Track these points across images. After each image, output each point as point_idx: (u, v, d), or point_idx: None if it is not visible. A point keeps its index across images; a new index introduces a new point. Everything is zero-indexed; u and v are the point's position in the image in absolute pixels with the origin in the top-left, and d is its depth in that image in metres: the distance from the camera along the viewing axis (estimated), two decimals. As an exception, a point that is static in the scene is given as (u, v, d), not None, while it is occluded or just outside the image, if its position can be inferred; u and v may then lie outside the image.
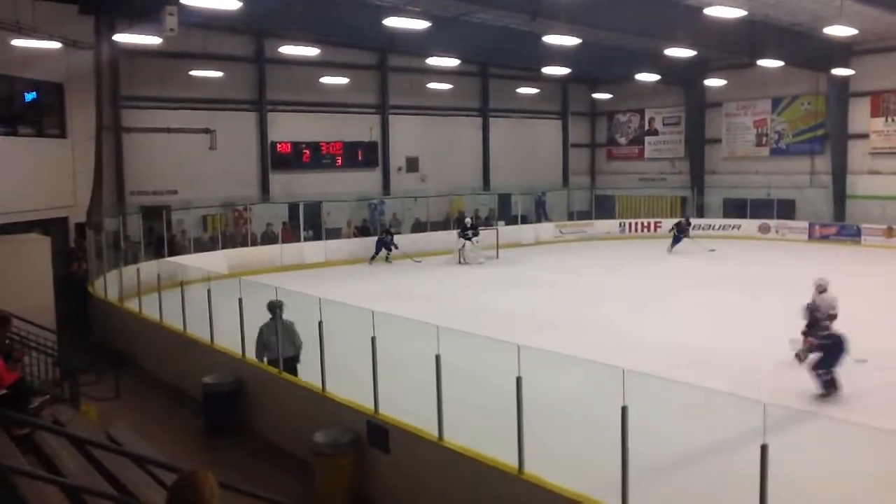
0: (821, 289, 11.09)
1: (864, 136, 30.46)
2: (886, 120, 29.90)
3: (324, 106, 30.19)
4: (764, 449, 5.25)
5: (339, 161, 30.78)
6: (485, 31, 26.09)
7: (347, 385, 9.30)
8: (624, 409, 6.03)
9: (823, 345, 10.37)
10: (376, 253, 25.64)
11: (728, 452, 7.15)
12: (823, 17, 23.87)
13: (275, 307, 10.82)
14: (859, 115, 30.59)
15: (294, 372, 10.65)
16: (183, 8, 16.47)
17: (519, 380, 6.93)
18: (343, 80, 29.62)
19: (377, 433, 8.59)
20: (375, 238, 26.51)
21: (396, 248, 25.73)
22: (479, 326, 12.41)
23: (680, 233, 27.73)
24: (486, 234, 26.57)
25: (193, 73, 26.10)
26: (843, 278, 21.36)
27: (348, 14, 22.68)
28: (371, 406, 8.67)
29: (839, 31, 22.15)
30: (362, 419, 8.76)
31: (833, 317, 10.79)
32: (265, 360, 10.92)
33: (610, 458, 6.22)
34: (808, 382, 11.14)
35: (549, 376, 8.85)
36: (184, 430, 11.30)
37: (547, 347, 11.02)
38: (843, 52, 28.80)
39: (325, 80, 29.13)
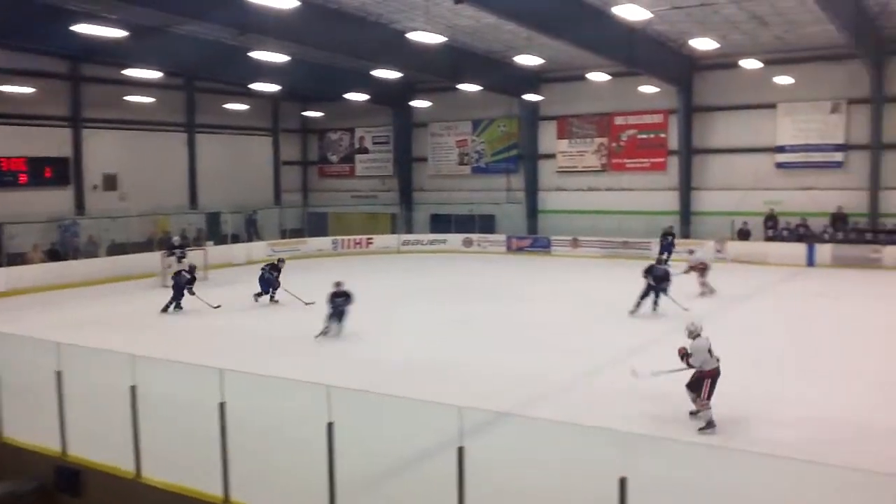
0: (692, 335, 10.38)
1: (552, 156, 33.64)
2: (570, 142, 33.22)
3: (4, 117, 27.16)
4: (461, 451, 5.48)
5: (24, 178, 27.84)
6: (190, 43, 25.07)
7: (31, 428, 8.34)
8: (330, 426, 6.01)
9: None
10: (265, 293, 20.27)
11: (431, 457, 7.39)
12: (515, 47, 26.02)
13: None
14: (548, 137, 33.73)
15: None
16: None
17: (222, 405, 6.65)
18: (28, 90, 26.97)
19: (66, 477, 7.80)
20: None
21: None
22: (186, 352, 11.81)
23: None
24: (194, 255, 25.38)
25: None
26: (538, 287, 23.40)
27: (32, 17, 20.67)
28: (59, 448, 7.84)
29: (528, 60, 24.31)
30: (49, 463, 7.90)
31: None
32: None
33: (318, 475, 6.16)
34: (509, 386, 11.89)
35: (257, 400, 8.58)
36: None
37: (259, 370, 10.75)
38: (533, 79, 31.64)
39: (6, 88, 26.32)
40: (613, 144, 32.26)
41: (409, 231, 35.19)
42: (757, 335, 15.52)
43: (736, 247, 27.48)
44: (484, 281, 24.80)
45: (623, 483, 5.07)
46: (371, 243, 33.16)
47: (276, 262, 20.58)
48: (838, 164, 27.97)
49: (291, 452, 7.77)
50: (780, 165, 29.00)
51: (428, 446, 7.36)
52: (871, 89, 26.59)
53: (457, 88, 29.82)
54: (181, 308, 19.37)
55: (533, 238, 32.76)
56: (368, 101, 32.86)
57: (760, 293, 21.33)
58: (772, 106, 28.77)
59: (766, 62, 25.59)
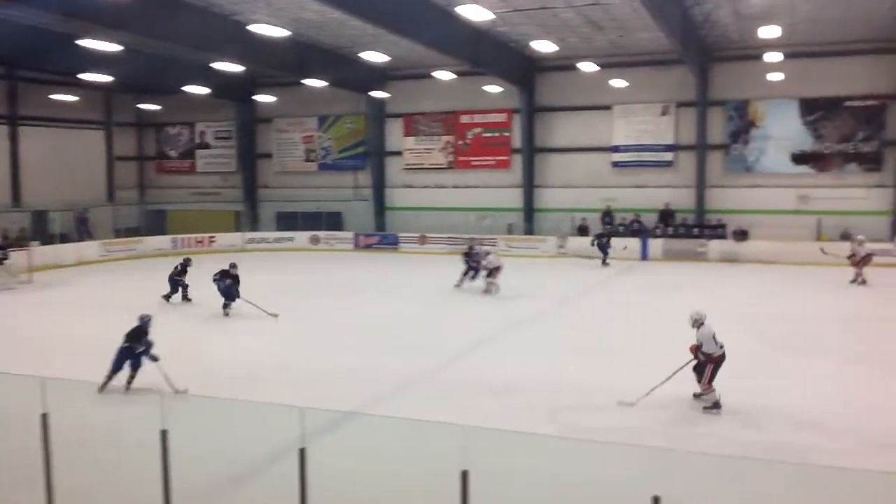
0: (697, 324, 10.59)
1: (399, 153, 33.77)
2: (417, 139, 33.46)
3: None
4: (302, 453, 5.36)
5: None
6: (10, 28, 23.22)
7: None
8: (164, 433, 5.72)
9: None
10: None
11: (273, 461, 7.21)
12: (361, 43, 25.85)
13: None
14: (395, 135, 33.84)
15: None
16: None
17: (45, 416, 6.18)
18: None
19: None
20: None
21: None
22: (7, 361, 10.93)
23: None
24: (17, 256, 23.62)
25: None
26: (385, 283, 23.40)
27: None
28: None
29: (375, 56, 24.24)
30: None
31: None
32: None
33: (153, 485, 5.85)
34: (356, 385, 11.79)
35: (89, 409, 8.08)
36: None
37: (92, 378, 10.13)
38: (380, 76, 31.60)
39: None
40: (459, 142, 32.76)
41: (255, 229, 34.35)
42: (596, 328, 16.18)
43: (576, 242, 28.68)
44: (331, 278, 24.56)
45: (465, 476, 5.12)
46: (214, 241, 32.06)
47: (228, 269, 18.11)
48: (668, 164, 29.67)
49: (123, 463, 7.36)
50: (615, 164, 30.41)
51: (269, 450, 7.17)
52: (696, 93, 28.41)
53: (302, 83, 29.33)
54: (189, 300, 19.66)
55: (381, 235, 32.79)
56: (209, 94, 31.74)
57: (598, 287, 22.29)
58: (608, 108, 30.12)
59: (602, 66, 26.77)
